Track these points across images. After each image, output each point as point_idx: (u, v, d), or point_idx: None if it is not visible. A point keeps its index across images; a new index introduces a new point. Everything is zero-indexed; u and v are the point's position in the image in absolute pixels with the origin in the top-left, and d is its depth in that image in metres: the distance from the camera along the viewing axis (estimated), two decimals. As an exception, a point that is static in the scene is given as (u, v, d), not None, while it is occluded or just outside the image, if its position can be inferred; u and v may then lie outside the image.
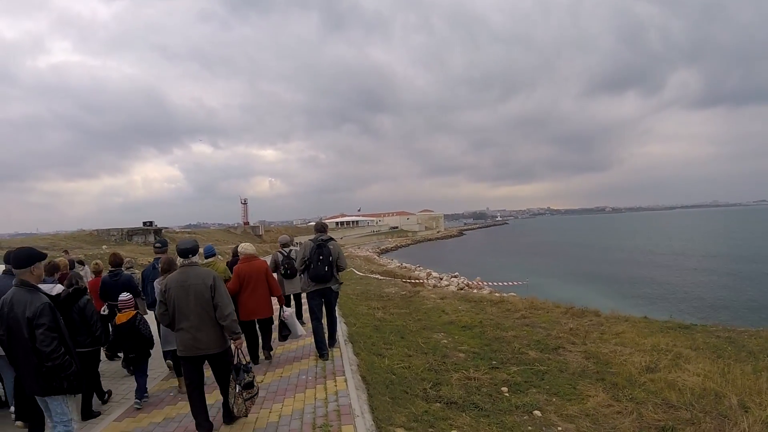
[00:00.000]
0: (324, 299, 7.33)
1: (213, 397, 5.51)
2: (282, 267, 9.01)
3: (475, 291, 31.53)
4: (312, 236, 7.40)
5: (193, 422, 4.76)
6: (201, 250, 5.82)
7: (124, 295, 5.95)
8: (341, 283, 7.59)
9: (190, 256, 4.81)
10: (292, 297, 9.41)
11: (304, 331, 8.22)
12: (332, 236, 7.58)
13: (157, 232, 49.46)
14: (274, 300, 7.39)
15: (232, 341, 4.75)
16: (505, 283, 18.96)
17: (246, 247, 7.36)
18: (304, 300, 9.07)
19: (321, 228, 7.47)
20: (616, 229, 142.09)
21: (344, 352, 7.44)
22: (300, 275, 7.69)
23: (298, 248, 8.81)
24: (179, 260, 5.01)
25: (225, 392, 4.81)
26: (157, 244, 7.29)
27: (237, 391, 4.67)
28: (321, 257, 7.01)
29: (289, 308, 8.12)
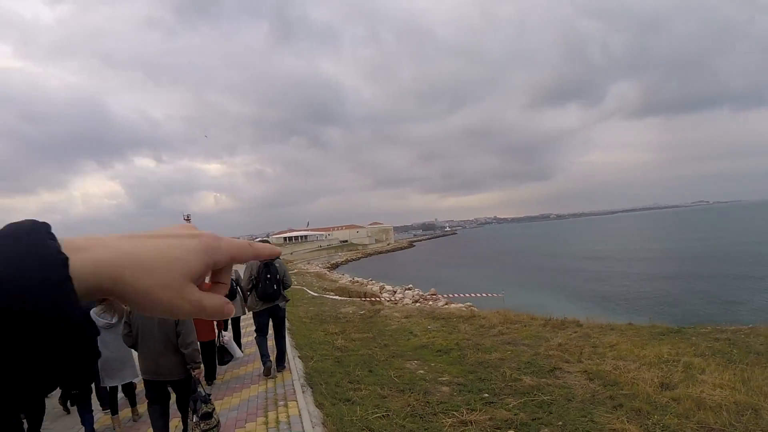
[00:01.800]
0: (272, 318, 7.42)
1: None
2: None
3: (431, 303, 30.49)
4: None
5: None
6: None
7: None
8: (288, 300, 7.76)
9: None
10: (230, 321, 9.00)
11: (242, 353, 8.06)
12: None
13: None
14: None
15: (192, 370, 4.66)
16: (477, 295, 17.64)
17: None
18: (242, 324, 9.20)
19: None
20: (561, 235, 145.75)
21: (303, 407, 5.76)
22: (247, 294, 7.52)
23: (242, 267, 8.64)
24: None
25: (185, 421, 4.81)
26: None
27: (194, 421, 4.54)
28: (269, 275, 7.09)
29: (226, 332, 7.83)
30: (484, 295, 17.12)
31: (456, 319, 12.86)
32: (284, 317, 7.74)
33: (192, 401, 4.61)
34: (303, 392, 6.05)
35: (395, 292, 36.54)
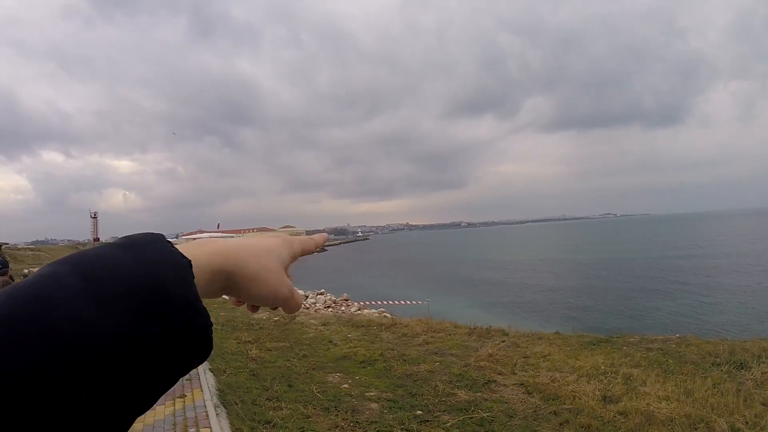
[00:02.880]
0: None
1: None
2: None
3: (343, 308, 29.98)
4: None
5: None
6: None
7: None
8: None
9: None
10: None
11: None
12: None
13: None
14: None
15: None
16: (400, 302, 17.11)
17: None
18: None
19: None
20: (473, 242, 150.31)
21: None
22: None
23: None
24: None
25: None
26: None
27: None
28: None
29: None
30: (407, 302, 16.70)
31: (377, 327, 12.34)
32: None
33: None
34: (217, 414, 5.21)
35: (307, 296, 35.70)
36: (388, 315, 22.93)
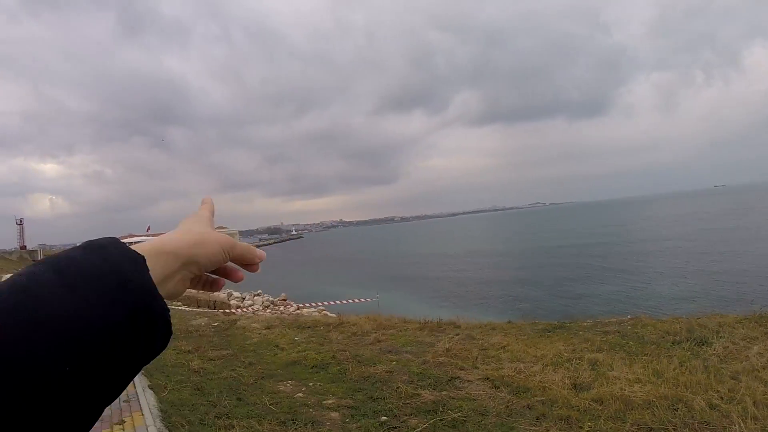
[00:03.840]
0: None
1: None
2: None
3: (281, 308, 29.25)
4: None
5: None
6: None
7: None
8: None
9: None
10: None
11: None
12: None
13: None
14: None
15: None
16: (346, 301, 16.48)
17: None
18: None
19: None
20: (406, 236, 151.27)
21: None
22: None
23: None
24: None
25: None
26: None
27: None
28: None
29: None
30: (355, 300, 16.17)
31: (324, 328, 11.83)
32: None
33: None
34: (159, 441, 4.57)
35: (244, 298, 34.67)
36: (328, 313, 22.46)
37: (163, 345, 0.54)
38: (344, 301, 16.27)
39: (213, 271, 0.73)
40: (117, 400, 3.22)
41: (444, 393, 6.58)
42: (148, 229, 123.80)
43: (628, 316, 10.62)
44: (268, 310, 28.16)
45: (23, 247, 72.42)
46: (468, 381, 7.05)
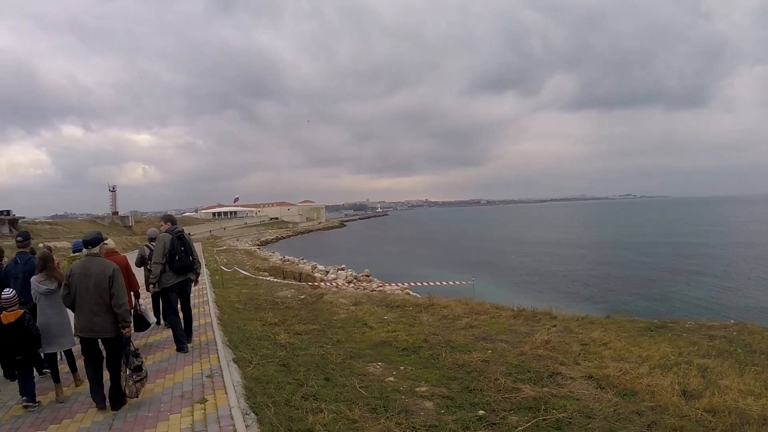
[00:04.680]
0: (182, 292, 7.43)
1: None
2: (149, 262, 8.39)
3: (365, 285, 29.23)
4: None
5: None
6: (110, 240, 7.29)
7: (8, 292, 5.21)
8: (198, 272, 7.66)
9: (90, 247, 5.16)
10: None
11: (155, 319, 8.29)
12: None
13: (13, 222, 43.30)
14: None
15: (122, 328, 4.99)
16: (438, 283, 15.82)
17: (111, 242, 7.26)
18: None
19: (173, 220, 7.57)
20: (493, 220, 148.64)
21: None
22: (160, 270, 7.11)
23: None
24: (84, 250, 5.28)
25: (116, 376, 5.02)
26: (19, 238, 6.62)
27: (127, 374, 4.95)
28: (183, 248, 7.14)
29: (142, 302, 7.78)
30: (448, 283, 15.47)
31: (413, 308, 11.33)
32: (191, 291, 7.74)
33: (124, 356, 5.01)
34: (246, 427, 4.15)
35: (328, 272, 35.13)
36: (411, 293, 21.96)
37: None
38: (435, 283, 15.56)
39: None
40: (200, 375, 5.81)
41: (545, 389, 5.91)
42: (236, 199, 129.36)
43: (732, 321, 9.99)
44: (351, 285, 28.26)
45: (115, 213, 76.84)
46: (570, 378, 6.37)
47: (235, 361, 6.37)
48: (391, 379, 6.35)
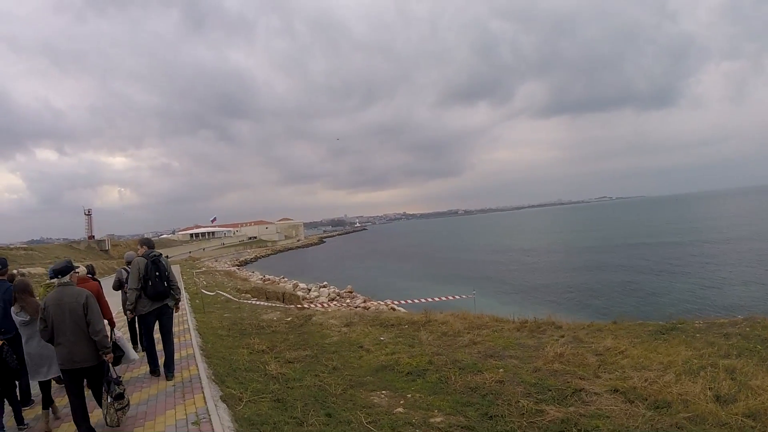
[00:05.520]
0: (160, 319, 7.02)
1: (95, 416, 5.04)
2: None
3: (348, 301, 28.51)
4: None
5: None
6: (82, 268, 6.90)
7: None
8: (177, 299, 7.16)
9: (60, 276, 4.97)
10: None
11: (137, 356, 7.22)
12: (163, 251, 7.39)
13: None
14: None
15: (104, 355, 4.82)
16: (438, 299, 14.96)
17: (82, 270, 6.93)
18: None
19: (149, 243, 7.23)
20: (471, 230, 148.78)
21: None
22: (135, 296, 6.79)
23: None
24: (54, 280, 5.12)
25: (98, 403, 4.93)
26: None
27: (108, 401, 4.81)
28: (158, 273, 6.82)
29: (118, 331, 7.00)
30: (448, 298, 14.72)
31: (409, 326, 10.65)
32: (171, 317, 7.22)
33: (105, 383, 4.86)
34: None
35: (310, 290, 34.29)
36: (395, 308, 21.26)
37: None
38: (435, 299, 14.81)
39: None
40: (184, 421, 4.95)
41: (572, 409, 5.41)
42: (214, 220, 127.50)
43: (740, 317, 9.89)
44: (334, 303, 27.50)
45: (91, 237, 74.83)
46: (595, 393, 5.87)
47: (223, 399, 5.59)
48: (400, 410, 5.68)
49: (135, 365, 7.58)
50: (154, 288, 6.72)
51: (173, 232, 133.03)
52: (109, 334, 6.39)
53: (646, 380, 6.11)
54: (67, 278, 5.00)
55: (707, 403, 5.27)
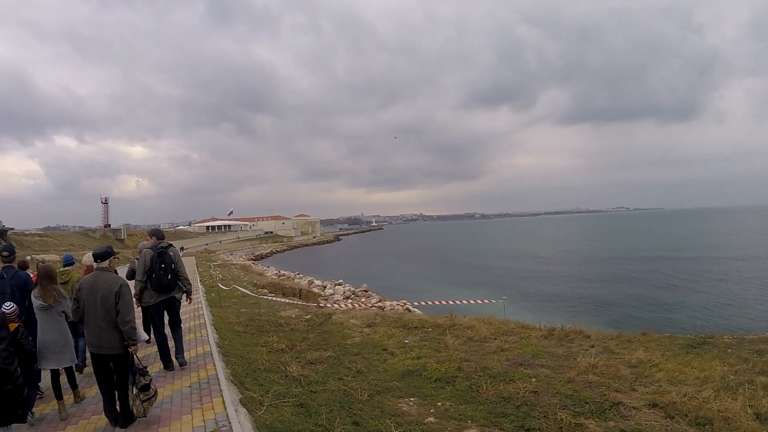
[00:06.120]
0: (168, 311, 7.03)
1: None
2: None
3: (363, 299, 28.20)
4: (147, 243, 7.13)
5: None
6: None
7: (8, 306, 4.79)
8: (185, 291, 7.10)
9: (99, 261, 4.99)
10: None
11: (146, 336, 7.88)
12: (172, 243, 7.32)
13: (2, 233, 41.44)
14: None
15: (129, 346, 4.81)
16: (465, 302, 14.30)
17: (89, 258, 6.51)
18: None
19: (159, 234, 7.17)
20: (488, 233, 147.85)
21: None
22: (142, 287, 6.83)
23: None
24: (94, 264, 5.08)
25: (123, 394, 4.87)
26: (5, 252, 6.17)
27: (134, 393, 4.78)
28: (163, 265, 6.74)
29: None
30: (477, 302, 14.19)
31: (433, 329, 10.25)
32: (178, 310, 7.21)
33: (131, 374, 4.85)
34: None
35: (325, 287, 34.07)
36: (410, 309, 20.84)
37: None
38: (461, 302, 14.30)
39: None
40: (202, 429, 4.51)
41: (612, 423, 5.13)
42: (230, 213, 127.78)
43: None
44: (349, 300, 27.24)
45: (107, 226, 75.02)
46: (634, 408, 5.56)
47: (242, 402, 5.24)
48: (432, 420, 5.30)
49: (148, 362, 7.24)
50: (158, 280, 6.69)
51: (189, 224, 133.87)
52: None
53: (684, 395, 5.86)
54: (106, 263, 5.03)
55: (748, 420, 5.10)
